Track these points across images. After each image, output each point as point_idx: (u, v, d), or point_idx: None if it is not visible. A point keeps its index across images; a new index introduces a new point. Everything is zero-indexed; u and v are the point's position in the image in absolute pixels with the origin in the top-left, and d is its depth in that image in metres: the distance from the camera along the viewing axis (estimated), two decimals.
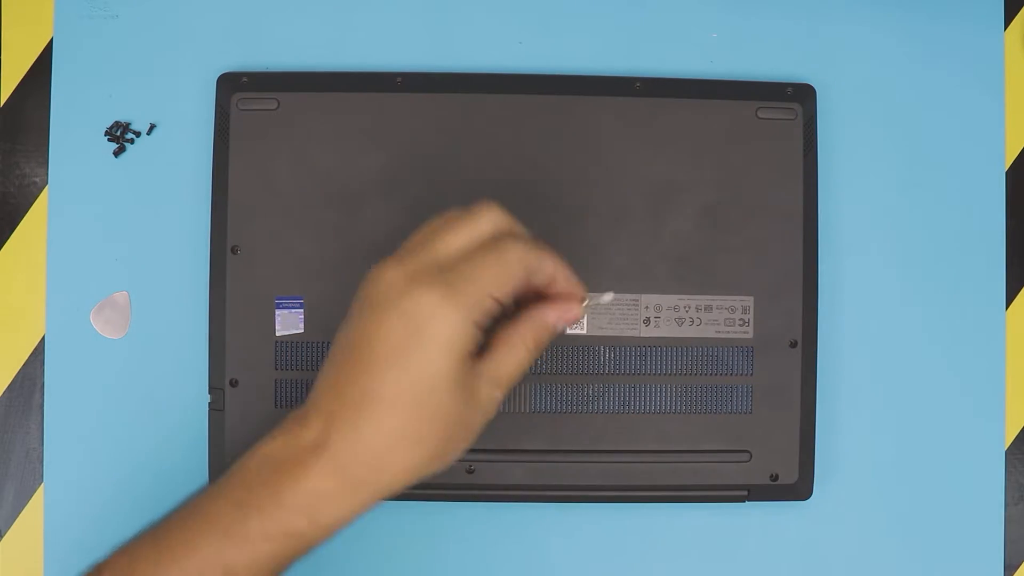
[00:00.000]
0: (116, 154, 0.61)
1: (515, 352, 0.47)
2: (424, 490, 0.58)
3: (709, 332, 0.59)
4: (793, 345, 0.59)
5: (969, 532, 0.61)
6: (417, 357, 0.44)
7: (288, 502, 0.44)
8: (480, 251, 0.45)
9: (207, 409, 0.58)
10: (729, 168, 0.59)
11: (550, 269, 0.47)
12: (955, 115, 0.62)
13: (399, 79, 0.59)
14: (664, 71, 0.61)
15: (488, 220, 0.47)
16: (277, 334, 0.58)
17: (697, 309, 0.59)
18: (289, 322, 0.58)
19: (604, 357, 0.59)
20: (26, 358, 0.61)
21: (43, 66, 0.61)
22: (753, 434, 0.59)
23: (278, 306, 0.58)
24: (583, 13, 0.62)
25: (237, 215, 0.58)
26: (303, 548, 0.45)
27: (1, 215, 0.61)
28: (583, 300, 0.48)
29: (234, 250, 0.58)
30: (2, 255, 0.61)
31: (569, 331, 0.58)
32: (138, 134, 0.61)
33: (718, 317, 0.59)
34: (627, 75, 0.60)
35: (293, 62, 0.61)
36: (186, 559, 0.44)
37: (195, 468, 0.59)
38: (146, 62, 0.61)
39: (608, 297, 0.50)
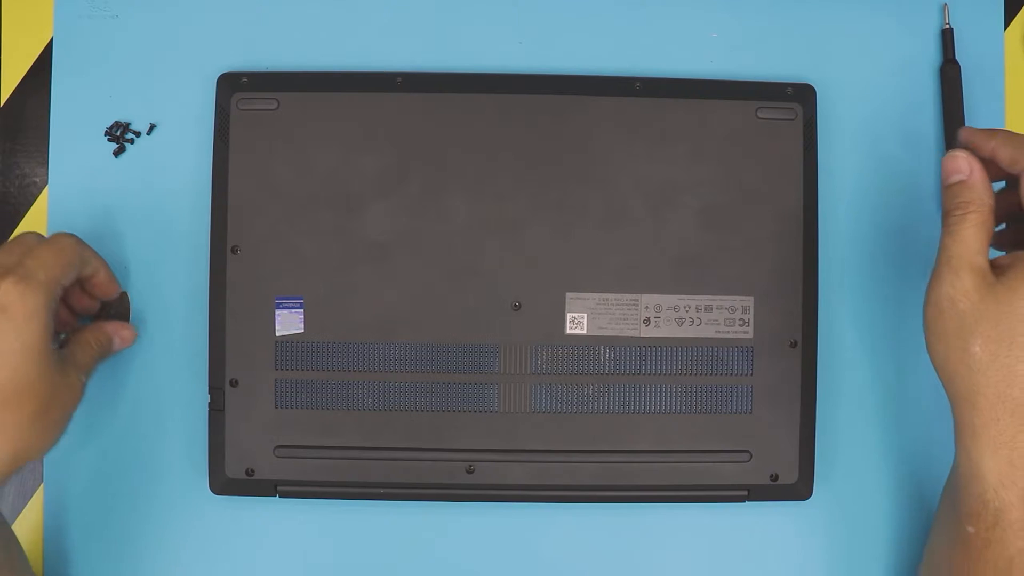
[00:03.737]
0: (116, 154, 0.61)
1: (88, 347, 0.56)
2: (424, 490, 0.58)
3: (709, 332, 0.59)
4: (793, 345, 0.59)
5: None
6: (4, 338, 0.50)
7: None
8: (39, 246, 0.53)
9: (207, 409, 0.58)
10: (729, 168, 0.59)
11: (95, 261, 0.56)
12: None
13: (399, 79, 0.59)
14: (664, 71, 0.61)
15: (36, 234, 0.55)
16: (277, 334, 0.58)
17: (697, 309, 0.59)
18: (289, 322, 0.58)
19: (604, 357, 0.59)
20: None
21: (43, 66, 0.61)
22: (753, 434, 0.59)
23: (278, 306, 0.58)
24: (583, 13, 0.62)
25: (237, 215, 0.59)
26: None
27: (1, 215, 0.61)
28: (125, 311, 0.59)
29: (234, 250, 0.58)
30: None
31: (569, 331, 0.58)
32: (138, 134, 0.61)
33: (718, 317, 0.59)
34: (627, 75, 0.60)
35: (293, 62, 0.61)
36: None
37: (195, 468, 0.59)
38: (146, 62, 0.61)
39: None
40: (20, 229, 0.61)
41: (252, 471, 0.58)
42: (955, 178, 0.51)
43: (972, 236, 0.49)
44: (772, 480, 0.59)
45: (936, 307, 0.50)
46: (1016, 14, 0.63)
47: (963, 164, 0.51)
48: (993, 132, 0.51)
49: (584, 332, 0.59)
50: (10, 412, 0.50)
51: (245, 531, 0.60)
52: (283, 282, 0.58)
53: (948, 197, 0.51)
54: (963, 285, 0.49)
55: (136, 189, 0.61)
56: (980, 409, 0.49)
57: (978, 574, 0.51)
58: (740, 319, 0.59)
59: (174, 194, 0.61)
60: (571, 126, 0.59)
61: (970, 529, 0.50)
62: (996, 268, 0.50)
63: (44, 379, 0.51)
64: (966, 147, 0.52)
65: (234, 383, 0.58)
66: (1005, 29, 0.63)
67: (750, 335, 0.59)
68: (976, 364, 0.49)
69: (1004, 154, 0.51)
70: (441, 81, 0.60)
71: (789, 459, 0.59)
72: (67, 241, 0.54)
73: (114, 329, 0.58)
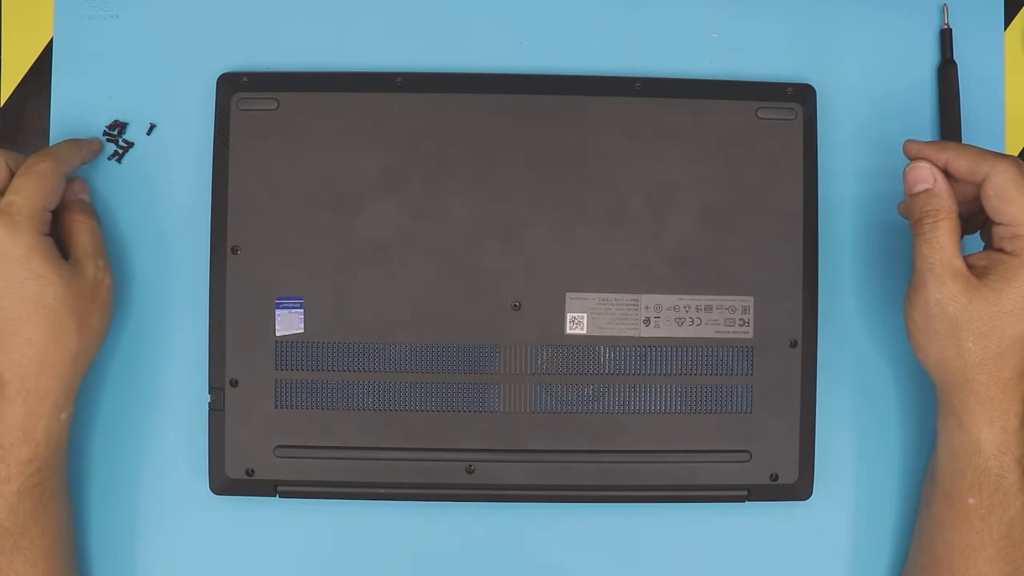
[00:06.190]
0: (111, 157, 0.61)
1: (81, 230, 0.56)
2: (424, 490, 0.58)
3: (709, 332, 0.59)
4: (793, 345, 0.59)
5: None
6: (14, 277, 0.52)
7: (4, 440, 0.53)
8: (19, 177, 0.54)
9: (207, 409, 0.58)
10: (729, 168, 0.59)
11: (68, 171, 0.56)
12: None
13: (399, 79, 0.59)
14: (664, 71, 0.61)
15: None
16: (277, 334, 0.58)
17: (697, 309, 0.59)
18: (289, 322, 0.58)
19: (604, 357, 0.59)
20: None
21: (43, 66, 0.61)
22: (753, 434, 0.59)
23: (278, 306, 0.58)
24: (583, 13, 0.62)
25: (237, 215, 0.59)
26: (41, 467, 0.54)
27: None
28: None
29: (234, 250, 0.58)
30: None
31: (569, 331, 0.58)
32: (131, 144, 0.61)
33: (718, 317, 0.59)
34: (627, 75, 0.60)
35: (293, 62, 0.61)
36: None
37: (195, 468, 0.59)
38: (146, 62, 0.61)
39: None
40: None
41: (252, 471, 0.58)
42: (920, 187, 0.54)
43: (947, 242, 0.52)
44: (772, 480, 0.59)
45: (924, 311, 0.53)
46: (1016, 14, 0.63)
47: (927, 173, 0.54)
48: (943, 145, 0.54)
49: (584, 332, 0.59)
50: (62, 336, 0.53)
51: (245, 531, 0.60)
52: (283, 282, 0.58)
53: (916, 206, 0.54)
54: (949, 290, 0.52)
55: (136, 189, 0.61)
56: (976, 392, 0.53)
57: (978, 543, 0.53)
58: (740, 319, 0.59)
59: (174, 194, 0.61)
60: (571, 126, 0.59)
61: (971, 501, 0.54)
62: (973, 268, 0.53)
63: (72, 293, 0.54)
64: (918, 159, 0.54)
65: (234, 383, 0.58)
66: (1005, 29, 0.63)
67: (750, 335, 0.59)
68: (970, 357, 0.52)
69: (960, 166, 0.53)
70: (441, 81, 0.60)
71: (789, 459, 0.59)
72: (45, 167, 0.54)
73: (73, 195, 0.58)
